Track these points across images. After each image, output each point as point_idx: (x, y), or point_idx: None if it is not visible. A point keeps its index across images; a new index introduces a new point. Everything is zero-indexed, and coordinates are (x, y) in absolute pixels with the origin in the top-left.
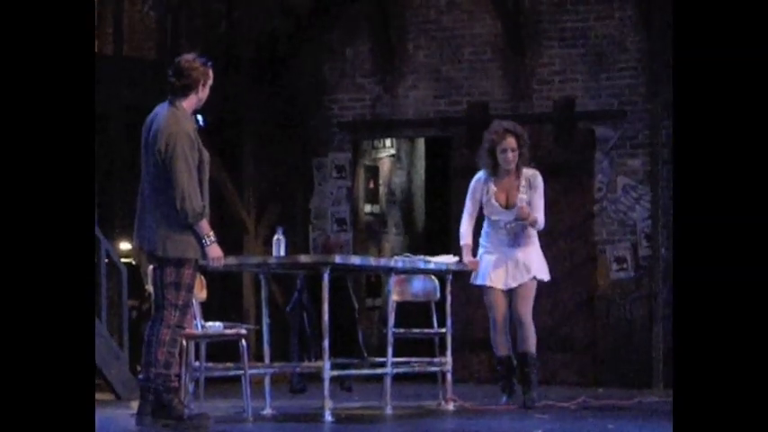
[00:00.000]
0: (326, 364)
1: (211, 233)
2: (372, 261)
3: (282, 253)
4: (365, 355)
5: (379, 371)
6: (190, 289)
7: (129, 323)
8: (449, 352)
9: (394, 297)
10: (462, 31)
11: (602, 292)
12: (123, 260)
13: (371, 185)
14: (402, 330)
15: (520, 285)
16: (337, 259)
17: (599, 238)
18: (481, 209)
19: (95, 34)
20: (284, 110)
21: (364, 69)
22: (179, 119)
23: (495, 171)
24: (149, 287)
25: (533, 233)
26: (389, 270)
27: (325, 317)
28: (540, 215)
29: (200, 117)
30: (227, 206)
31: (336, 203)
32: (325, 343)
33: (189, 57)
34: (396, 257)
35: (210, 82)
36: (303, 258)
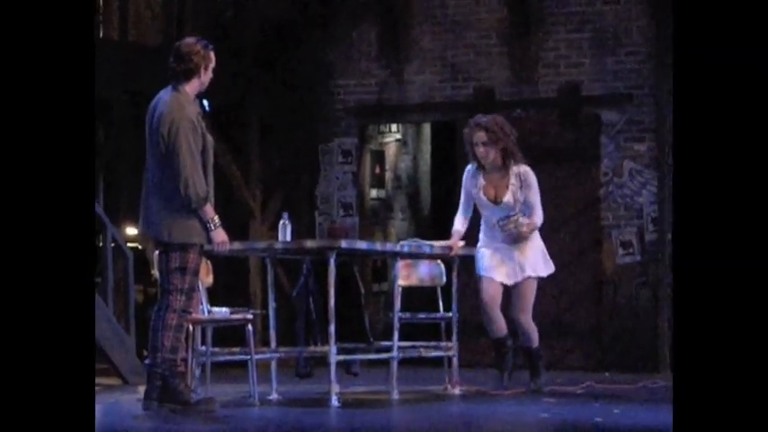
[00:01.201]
0: (332, 348)
1: (216, 218)
2: (378, 246)
3: (288, 238)
4: (371, 339)
5: (385, 355)
6: (195, 273)
7: (136, 308)
8: (455, 337)
9: (400, 282)
10: (468, 15)
11: (608, 276)
12: (129, 245)
13: (377, 170)
14: (408, 315)
15: (515, 286)
16: (343, 244)
17: (605, 222)
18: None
19: (101, 20)
20: (290, 95)
21: (370, 54)
22: (182, 104)
23: (483, 165)
24: (155, 272)
25: None
26: (395, 255)
27: (332, 302)
28: (536, 213)
29: (205, 102)
30: (233, 191)
31: (342, 188)
32: (332, 328)
33: (190, 41)
34: (402, 242)
35: (212, 65)
36: (309, 243)
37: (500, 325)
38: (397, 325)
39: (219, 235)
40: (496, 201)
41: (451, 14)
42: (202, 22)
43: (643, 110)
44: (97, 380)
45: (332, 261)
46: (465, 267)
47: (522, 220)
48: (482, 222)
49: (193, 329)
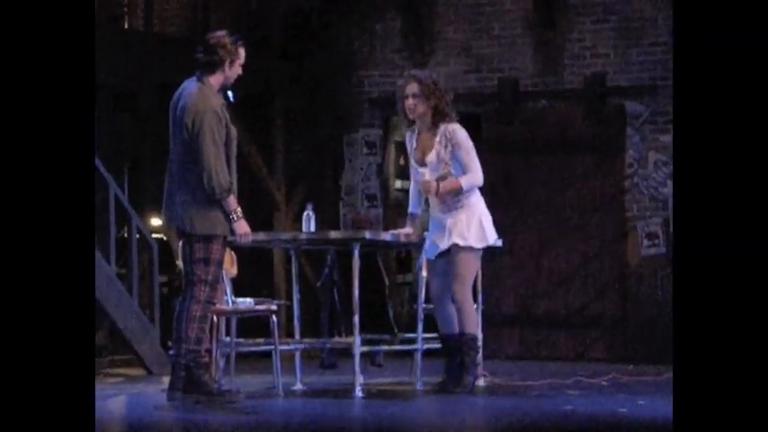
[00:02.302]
0: (357, 339)
1: (238, 209)
2: (403, 237)
3: (313, 229)
4: (395, 330)
5: (409, 347)
6: (219, 264)
7: (160, 299)
8: (479, 328)
9: (424, 273)
10: (493, 6)
11: (633, 268)
12: (154, 236)
13: (402, 161)
14: (432, 306)
15: (443, 256)
16: (367, 235)
17: (630, 213)
18: None
19: (126, 11)
20: (315, 86)
21: (394, 45)
22: (206, 95)
23: (411, 121)
24: (180, 263)
25: (467, 196)
26: (420, 246)
27: (356, 293)
28: (471, 173)
29: (230, 93)
30: (257, 183)
31: (367, 179)
32: (356, 319)
33: (219, 33)
34: (426, 233)
35: (240, 61)
36: (333, 234)
37: (446, 321)
38: (421, 316)
39: (242, 226)
40: (422, 161)
41: (476, 5)
42: (227, 13)
43: (668, 101)
44: (122, 370)
45: (356, 252)
46: (489, 256)
47: (448, 179)
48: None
49: (218, 320)
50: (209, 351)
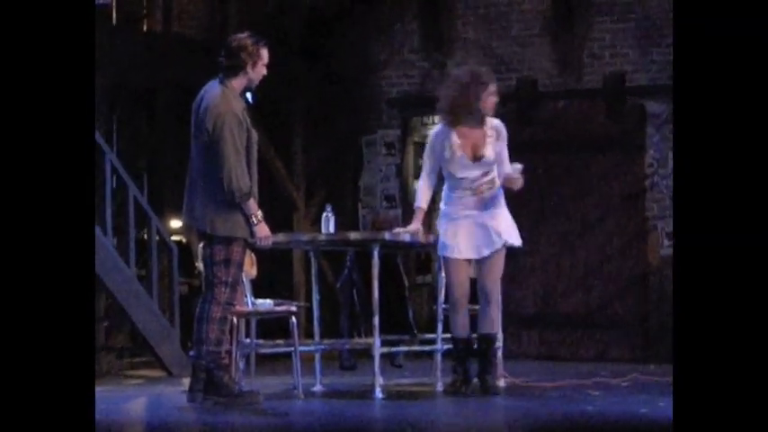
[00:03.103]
0: (376, 340)
1: (259, 213)
2: (422, 238)
3: (332, 230)
4: (415, 331)
5: (429, 347)
6: (239, 266)
7: (180, 300)
8: (500, 328)
9: (443, 274)
10: (511, 6)
11: (653, 267)
12: (174, 238)
13: (421, 162)
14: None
15: (491, 254)
16: (387, 236)
17: (650, 213)
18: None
19: (145, 12)
20: (333, 87)
21: (413, 46)
22: (228, 98)
23: (456, 121)
24: (200, 265)
25: (500, 194)
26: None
27: (375, 294)
28: (509, 168)
29: (249, 95)
30: (276, 184)
31: (386, 180)
32: (375, 320)
33: (241, 36)
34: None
35: (264, 61)
36: (353, 235)
37: (465, 322)
38: (440, 317)
39: (262, 230)
40: (475, 158)
41: (495, 5)
42: (246, 15)
43: None
44: (142, 372)
45: (375, 253)
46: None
47: (515, 168)
48: (446, 192)
49: (238, 321)
50: (228, 352)
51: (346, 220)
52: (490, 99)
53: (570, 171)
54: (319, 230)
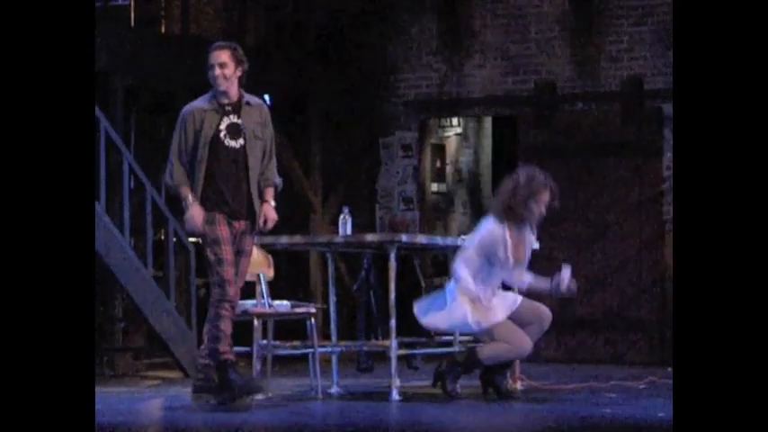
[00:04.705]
0: (393, 342)
1: (189, 196)
2: (439, 240)
3: (349, 232)
4: (432, 333)
5: (445, 350)
6: (219, 263)
7: (197, 302)
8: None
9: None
10: (530, 8)
11: (671, 271)
12: (191, 239)
13: (438, 164)
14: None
15: (520, 306)
16: (404, 238)
17: (668, 217)
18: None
19: (163, 14)
20: (351, 89)
21: (431, 48)
22: (197, 100)
23: (515, 221)
24: None
25: None
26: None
27: (392, 296)
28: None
29: (266, 96)
30: (294, 186)
31: (403, 182)
32: (392, 322)
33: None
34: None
35: (210, 63)
36: (370, 237)
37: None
38: None
39: (192, 211)
40: (521, 259)
41: (513, 8)
42: (263, 17)
43: None
44: (159, 373)
45: (392, 255)
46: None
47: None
48: (484, 273)
49: (255, 323)
50: (230, 347)
51: (363, 222)
52: (537, 209)
53: (588, 174)
54: (336, 232)
